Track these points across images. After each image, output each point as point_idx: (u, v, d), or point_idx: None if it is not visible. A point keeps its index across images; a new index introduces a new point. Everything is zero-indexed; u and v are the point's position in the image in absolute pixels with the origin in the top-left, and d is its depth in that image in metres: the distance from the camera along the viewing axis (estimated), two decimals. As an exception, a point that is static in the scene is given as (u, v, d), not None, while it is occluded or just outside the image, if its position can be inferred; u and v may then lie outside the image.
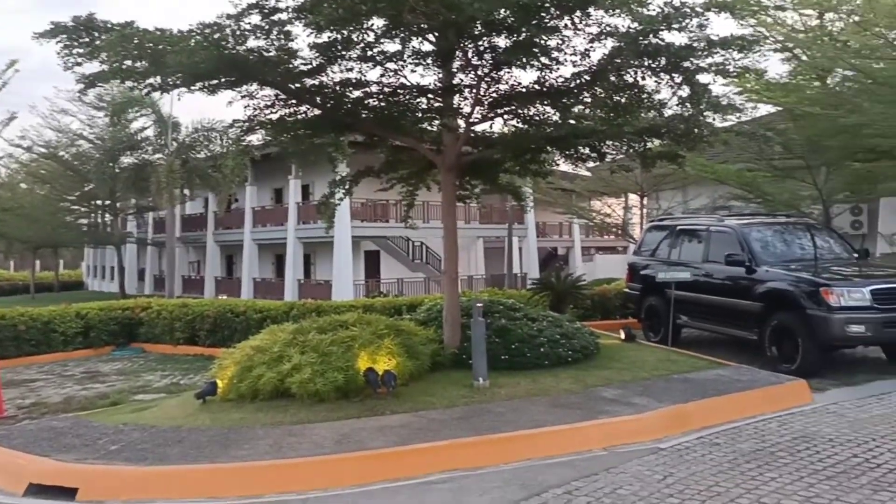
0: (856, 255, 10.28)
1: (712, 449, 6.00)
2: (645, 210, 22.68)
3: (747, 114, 15.33)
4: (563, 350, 8.73)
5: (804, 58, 14.92)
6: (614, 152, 9.52)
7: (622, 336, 10.62)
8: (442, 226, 8.92)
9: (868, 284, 8.44)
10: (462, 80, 7.83)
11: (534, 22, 6.41)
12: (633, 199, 24.12)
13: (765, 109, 16.09)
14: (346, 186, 9.27)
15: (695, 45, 6.63)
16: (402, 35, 7.18)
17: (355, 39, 6.92)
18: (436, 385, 7.79)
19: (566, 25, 6.79)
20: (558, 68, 7.31)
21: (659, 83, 7.31)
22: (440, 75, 7.81)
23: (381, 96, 7.91)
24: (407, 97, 7.96)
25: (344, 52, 7.14)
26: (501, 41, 7.09)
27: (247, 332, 11.60)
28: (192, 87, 7.63)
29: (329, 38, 6.79)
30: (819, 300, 8.34)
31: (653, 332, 11.40)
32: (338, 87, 7.78)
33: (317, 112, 8.38)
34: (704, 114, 7.66)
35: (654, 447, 6.09)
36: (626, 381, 7.96)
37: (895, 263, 13.70)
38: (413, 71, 7.62)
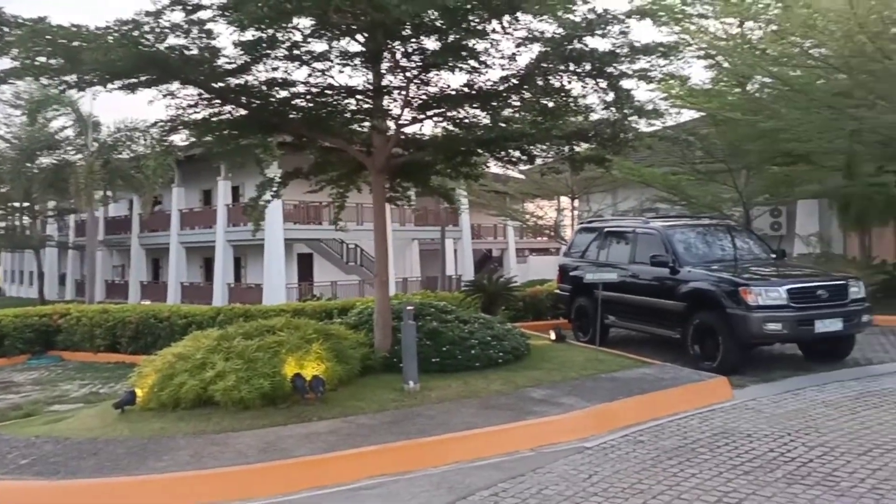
0: (773, 255, 10.66)
1: (636, 447, 6.12)
2: (576, 212, 23.10)
3: (672, 119, 15.85)
4: (494, 351, 8.77)
5: (726, 65, 15.45)
6: (544, 155, 9.63)
7: (552, 336, 10.75)
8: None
9: (784, 284, 8.77)
10: (391, 82, 7.78)
11: (462, 25, 6.42)
12: (566, 200, 24.54)
13: (690, 115, 16.65)
14: (275, 188, 9.09)
15: (618, 51, 6.77)
16: (330, 35, 7.08)
17: (280, 38, 6.78)
18: (366, 389, 7.71)
19: (494, 30, 6.82)
20: (487, 72, 7.37)
21: (585, 88, 7.44)
22: (369, 76, 7.74)
23: (308, 97, 7.78)
24: (335, 98, 7.86)
25: (269, 52, 7.00)
26: (430, 43, 7.08)
27: (171, 339, 11.23)
28: (110, 86, 7.34)
29: (253, 36, 6.64)
30: (738, 299, 8.61)
31: (582, 332, 11.57)
32: (264, 87, 7.62)
33: (243, 112, 8.18)
34: (629, 118, 7.81)
35: (581, 446, 6.17)
36: (556, 381, 8.05)
37: (811, 263, 14.36)
38: (341, 71, 7.54)
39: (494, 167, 14.32)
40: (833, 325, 8.61)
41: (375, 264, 8.88)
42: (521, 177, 22.35)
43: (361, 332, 8.81)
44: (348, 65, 7.42)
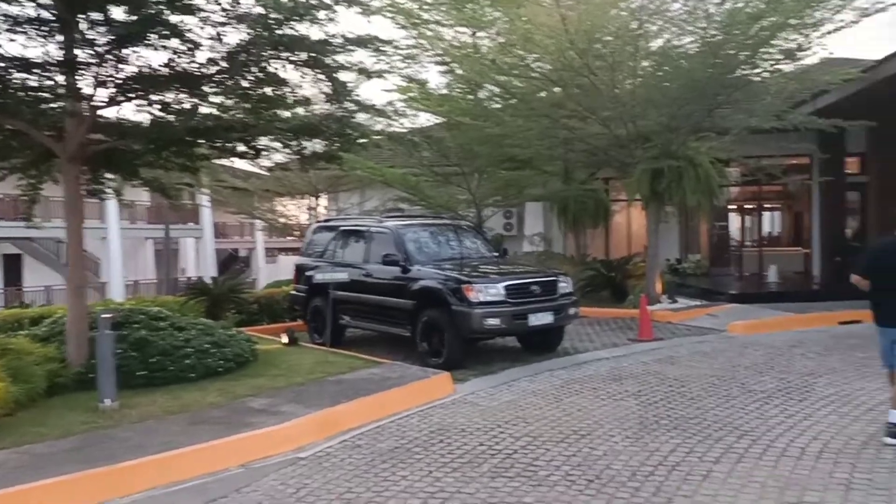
0: (496, 254, 11.21)
1: (353, 452, 5.91)
2: (326, 211, 22.80)
3: (410, 121, 16.20)
4: (213, 360, 8.12)
5: (460, 72, 16.12)
6: (273, 149, 9.13)
7: (285, 340, 10.29)
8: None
9: (503, 281, 9.20)
10: (79, 56, 6.76)
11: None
12: (320, 199, 24.11)
13: (433, 119, 17.14)
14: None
15: (332, 40, 6.53)
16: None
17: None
18: (51, 412, 6.67)
19: (199, 7, 6.19)
20: (195, 53, 6.68)
21: (304, 78, 7.10)
22: (50, 48, 6.65)
23: (-30, 66, 6.49)
24: (7, 70, 6.63)
25: None
26: (122, 14, 6.23)
27: None
28: None
29: None
30: (462, 296, 8.86)
31: (318, 333, 11.23)
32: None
33: None
34: (353, 114, 7.63)
35: (295, 457, 5.82)
36: (279, 387, 7.63)
37: (533, 261, 15.48)
38: (12, 40, 6.37)
39: (227, 161, 13.50)
40: (545, 319, 9.21)
41: (69, 267, 7.72)
42: (265, 173, 21.48)
43: (53, 346, 7.64)
44: (15, 31, 6.28)
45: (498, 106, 15.35)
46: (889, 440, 5.53)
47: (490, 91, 15.54)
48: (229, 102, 7.71)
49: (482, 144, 14.38)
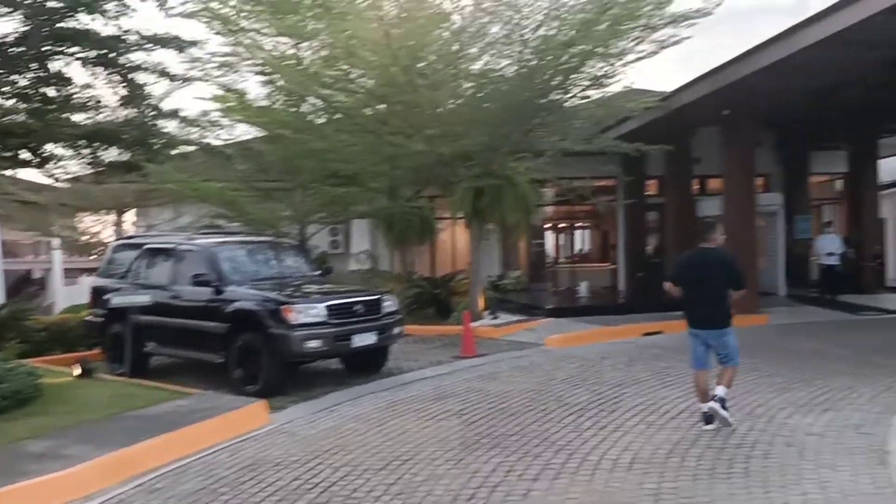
0: (319, 272, 10.81)
1: (150, 497, 5.28)
2: (134, 227, 21.05)
3: (227, 132, 15.35)
4: (-15, 398, 7.01)
5: (281, 83, 15.54)
6: (62, 157, 8.16)
7: (77, 371, 9.18)
8: None
9: (324, 301, 8.83)
10: None
11: None
12: (129, 215, 22.19)
13: (253, 131, 16.32)
14: None
15: (126, 37, 5.90)
16: None
17: None
18: None
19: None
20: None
21: (95, 78, 6.37)
22: None
23: None
24: None
25: None
26: None
27: None
28: None
29: None
30: (280, 318, 8.39)
31: (118, 363, 10.17)
32: None
33: None
34: (155, 120, 6.97)
35: (79, 508, 5.09)
36: (67, 427, 6.74)
37: (359, 279, 15.21)
38: None
39: (10, 171, 12.00)
40: (368, 339, 8.95)
41: None
42: (62, 185, 19.39)
43: None
44: None
45: (322, 120, 14.97)
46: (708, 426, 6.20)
47: (313, 105, 15.13)
48: (8, 103, 6.76)
49: (305, 159, 13.93)
